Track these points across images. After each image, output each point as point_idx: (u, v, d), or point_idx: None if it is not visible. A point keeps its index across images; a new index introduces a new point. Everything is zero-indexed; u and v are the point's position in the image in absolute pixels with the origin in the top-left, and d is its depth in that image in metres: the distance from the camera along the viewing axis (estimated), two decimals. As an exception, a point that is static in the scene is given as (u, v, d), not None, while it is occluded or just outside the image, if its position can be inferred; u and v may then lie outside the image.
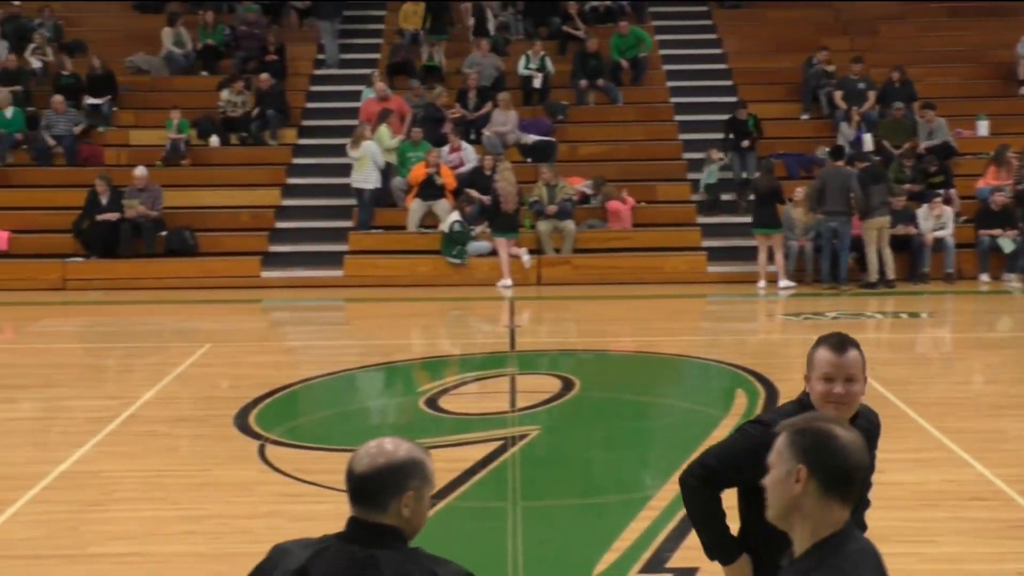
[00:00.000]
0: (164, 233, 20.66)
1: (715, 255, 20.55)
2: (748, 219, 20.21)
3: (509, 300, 18.92)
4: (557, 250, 20.44)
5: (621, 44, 24.57)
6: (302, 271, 20.51)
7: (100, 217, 20.46)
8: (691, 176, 22.46)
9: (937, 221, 19.76)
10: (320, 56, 25.68)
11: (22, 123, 22.84)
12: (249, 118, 23.22)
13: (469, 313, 18.70)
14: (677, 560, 7.30)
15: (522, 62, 24.15)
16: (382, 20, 27.22)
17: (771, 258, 19.47)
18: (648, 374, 13.79)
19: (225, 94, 23.43)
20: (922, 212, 19.88)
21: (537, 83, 23.86)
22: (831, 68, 23.64)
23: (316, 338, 16.68)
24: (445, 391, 12.35)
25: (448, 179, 20.89)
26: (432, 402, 11.75)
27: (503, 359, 14.16)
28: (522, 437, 10.34)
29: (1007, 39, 24.79)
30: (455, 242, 20.16)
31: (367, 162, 20.91)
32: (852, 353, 4.34)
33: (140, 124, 23.90)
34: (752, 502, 4.46)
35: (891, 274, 19.23)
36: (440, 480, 8.93)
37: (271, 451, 9.93)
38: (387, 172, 21.32)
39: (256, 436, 10.42)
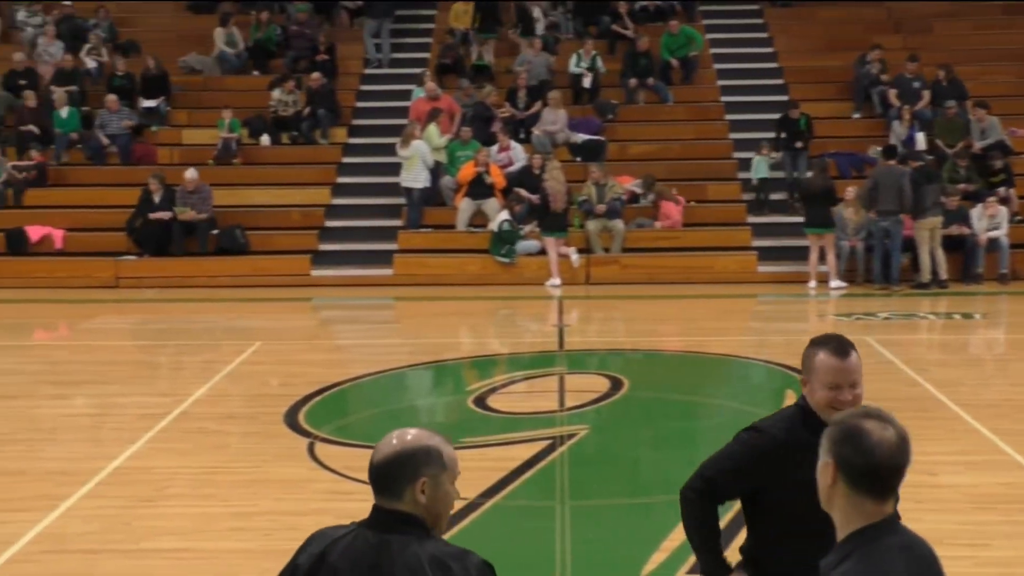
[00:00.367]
0: (216, 232, 20.81)
1: (765, 255, 20.45)
2: (798, 219, 20.09)
3: (558, 299, 18.90)
4: (606, 249, 20.41)
5: (671, 43, 24.49)
6: (352, 270, 20.59)
7: (153, 216, 20.64)
8: (741, 175, 22.35)
9: (991, 221, 19.55)
10: (376, 55, 25.71)
11: (77, 123, 23.08)
12: (300, 117, 23.34)
13: (518, 312, 18.70)
14: (726, 561, 7.27)
15: (573, 61, 24.13)
16: (432, 20, 27.28)
17: (823, 258, 19.33)
18: (697, 374, 13.74)
19: (276, 93, 23.57)
20: (976, 212, 19.67)
21: (587, 82, 23.82)
22: (882, 67, 23.43)
23: (365, 336, 16.74)
24: (494, 390, 12.36)
25: (497, 178, 20.91)
26: (481, 401, 11.76)
27: (552, 358, 14.16)
28: (570, 436, 10.34)
29: (1063, 37, 24.52)
30: (504, 241, 20.18)
31: (416, 161, 20.97)
32: (854, 357, 4.20)
33: (192, 123, 24.09)
34: (755, 511, 4.41)
35: (944, 274, 19.05)
36: (488, 479, 8.97)
37: (320, 449, 9.98)
38: (436, 171, 21.37)
39: (305, 434, 10.48)
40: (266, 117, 23.43)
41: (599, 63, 24.12)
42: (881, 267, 19.14)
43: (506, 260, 20.17)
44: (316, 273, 20.55)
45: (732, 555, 4.53)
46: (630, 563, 7.32)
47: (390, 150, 21.84)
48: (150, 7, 28.42)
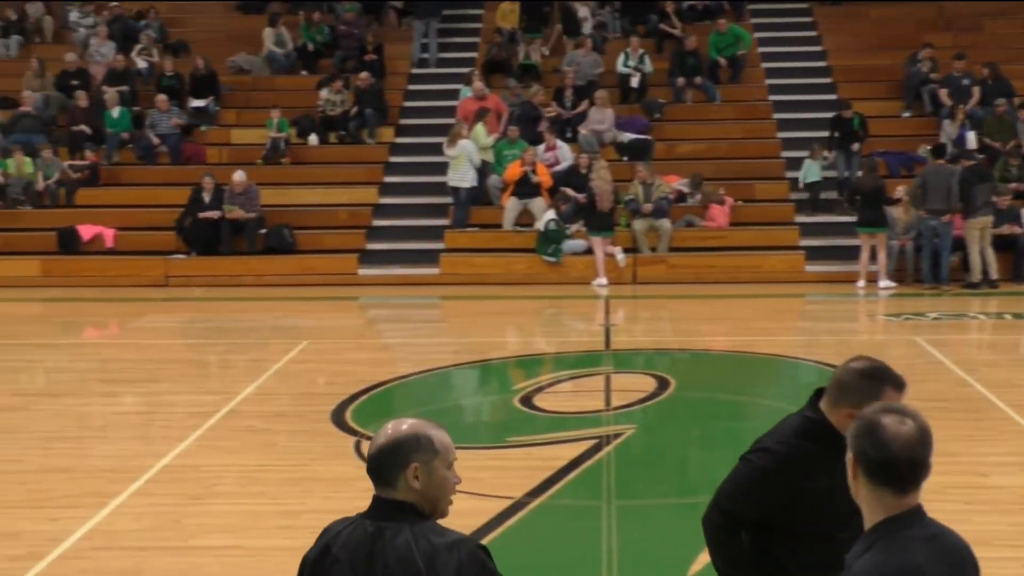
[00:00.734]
0: (264, 231, 20.93)
1: (813, 254, 20.33)
2: (846, 218, 19.97)
3: (604, 299, 18.88)
4: (653, 249, 20.35)
5: (719, 42, 24.40)
6: (399, 269, 20.65)
7: (202, 215, 20.79)
8: (789, 175, 22.22)
9: (1043, 220, 19.36)
10: (424, 55, 25.78)
11: (128, 123, 23.29)
12: (348, 117, 23.44)
13: (564, 311, 18.69)
14: (773, 562, 7.23)
15: (620, 60, 24.08)
16: (480, 19, 27.31)
17: (873, 258, 19.20)
18: (744, 374, 13.67)
19: (324, 93, 23.67)
20: (1027, 211, 19.49)
21: (635, 82, 23.77)
22: (932, 65, 23.24)
23: (412, 335, 16.79)
24: (540, 389, 12.37)
25: (544, 177, 20.91)
26: (527, 400, 11.76)
27: (598, 358, 14.14)
28: (617, 436, 10.32)
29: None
30: (550, 240, 20.17)
31: (463, 160, 21.00)
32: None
33: (241, 123, 24.25)
34: (765, 531, 4.31)
35: (994, 274, 18.87)
36: (534, 479, 8.97)
37: (367, 447, 9.99)
38: (483, 170, 21.40)
39: (352, 432, 10.52)
40: (314, 117, 23.55)
41: (647, 62, 24.05)
42: (930, 267, 18.98)
43: (552, 259, 20.16)
44: (363, 272, 20.63)
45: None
46: (677, 563, 7.30)
47: (437, 149, 21.89)
48: (200, 7, 28.64)
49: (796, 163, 22.15)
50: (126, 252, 21.07)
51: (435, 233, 21.22)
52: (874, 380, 4.10)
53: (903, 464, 3.08)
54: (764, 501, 4.24)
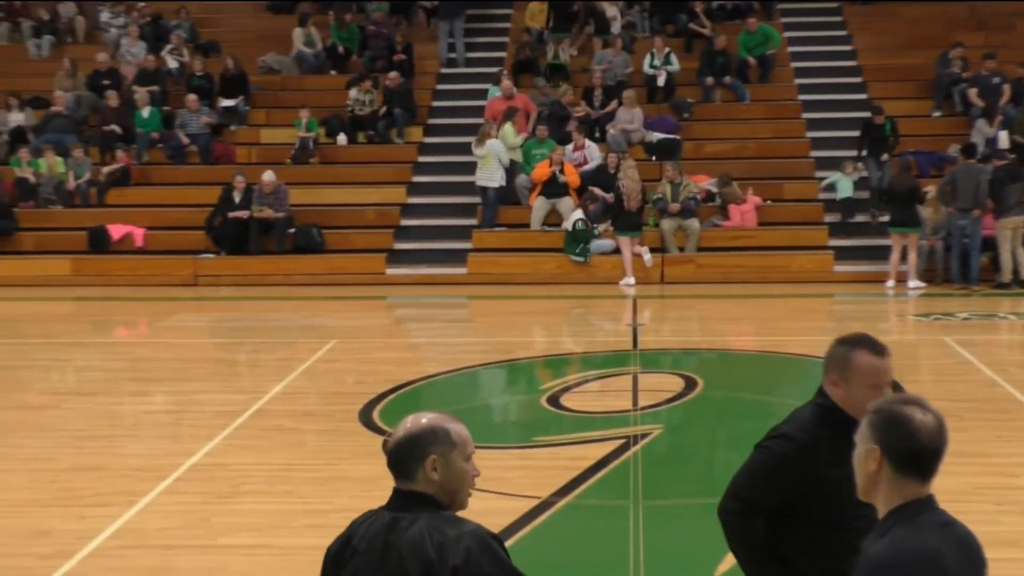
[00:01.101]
0: (292, 230, 21.00)
1: (842, 254, 20.26)
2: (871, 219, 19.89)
3: (632, 298, 18.85)
4: (681, 248, 20.32)
5: (749, 41, 24.33)
6: (427, 268, 20.68)
7: (232, 214, 20.88)
8: (819, 174, 22.14)
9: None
10: (451, 55, 25.83)
11: (158, 122, 23.42)
12: (376, 117, 23.49)
13: (592, 311, 18.68)
14: (800, 563, 7.21)
15: (647, 60, 24.05)
16: (509, 19, 27.33)
17: (903, 258, 19.11)
18: (772, 374, 13.64)
19: (353, 93, 23.73)
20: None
21: (661, 81, 23.72)
22: (963, 64, 23.11)
23: (440, 335, 16.81)
24: (567, 389, 12.37)
25: (572, 177, 20.90)
26: (554, 400, 11.77)
27: (626, 357, 14.13)
28: (644, 436, 10.32)
29: None
30: (578, 240, 20.16)
31: (492, 160, 21.02)
32: (889, 356, 4.22)
33: (270, 123, 24.34)
34: (783, 519, 4.33)
35: (1024, 275, 18.80)
36: (561, 478, 8.97)
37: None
38: (511, 170, 21.41)
39: (380, 432, 10.54)
40: (343, 116, 23.61)
41: (673, 61, 23.99)
42: (960, 267, 18.88)
43: (580, 259, 20.16)
44: (391, 272, 20.67)
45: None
46: (704, 563, 7.29)
47: (465, 149, 21.91)
48: (230, 7, 28.76)
49: (825, 163, 22.07)
50: (156, 251, 21.19)
51: (463, 233, 21.24)
52: (848, 344, 4.23)
53: (931, 454, 3.21)
54: (783, 488, 4.27)
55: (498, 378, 13.74)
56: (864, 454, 3.23)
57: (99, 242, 21.24)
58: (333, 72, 25.56)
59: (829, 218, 21.16)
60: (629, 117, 22.46)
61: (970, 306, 17.47)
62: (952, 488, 8.66)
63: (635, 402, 11.63)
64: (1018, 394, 11.57)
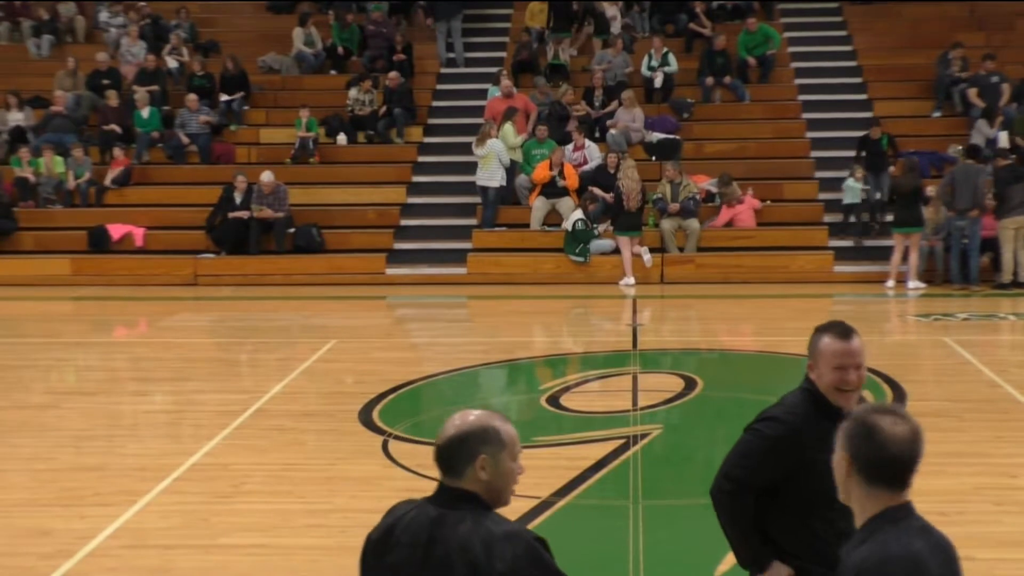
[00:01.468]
0: (292, 230, 21.01)
1: (842, 254, 20.26)
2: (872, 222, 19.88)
3: (632, 299, 18.86)
4: (681, 248, 20.32)
5: (749, 41, 24.34)
6: (426, 268, 20.69)
7: (232, 215, 20.89)
8: (818, 175, 22.15)
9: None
10: (451, 55, 25.84)
11: (158, 122, 23.42)
12: (376, 116, 23.50)
13: (591, 311, 18.68)
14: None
15: (645, 62, 24.05)
16: (508, 19, 27.33)
17: (904, 258, 19.10)
18: (772, 374, 13.63)
19: (353, 93, 23.74)
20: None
21: (658, 82, 23.72)
22: (962, 65, 23.11)
23: (440, 335, 16.81)
24: (567, 389, 12.37)
25: (571, 180, 20.88)
26: (554, 400, 11.77)
27: (625, 357, 14.13)
28: (644, 436, 10.32)
29: None
30: (578, 240, 20.17)
31: (492, 160, 21.03)
32: (856, 339, 4.40)
33: (270, 123, 24.35)
34: (773, 500, 4.49)
35: (1024, 275, 18.81)
36: (561, 478, 8.97)
37: (394, 446, 10.04)
38: (512, 170, 21.41)
39: (380, 431, 10.55)
40: (343, 116, 23.61)
41: (671, 60, 23.98)
42: (959, 267, 18.88)
43: (580, 259, 20.16)
44: (391, 271, 20.68)
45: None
46: (703, 563, 7.30)
47: (465, 149, 21.91)
48: (230, 7, 28.76)
49: (825, 163, 22.08)
50: (156, 251, 21.20)
51: (463, 233, 21.25)
52: (818, 330, 4.44)
53: (900, 464, 3.17)
54: (773, 469, 4.44)
55: (498, 378, 13.73)
56: (837, 460, 3.25)
57: (99, 242, 21.25)
58: (333, 72, 25.57)
59: (828, 218, 21.14)
60: (629, 117, 22.46)
61: (970, 306, 17.48)
62: (952, 488, 8.67)
63: (635, 402, 11.63)
64: (1018, 394, 11.57)
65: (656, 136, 22.52)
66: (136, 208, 21.99)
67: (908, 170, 19.29)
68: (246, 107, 24.40)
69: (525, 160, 21.58)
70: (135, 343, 16.71)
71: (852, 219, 20.69)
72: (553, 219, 20.96)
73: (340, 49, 25.59)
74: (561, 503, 8.39)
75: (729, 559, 7.34)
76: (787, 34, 25.79)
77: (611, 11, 25.52)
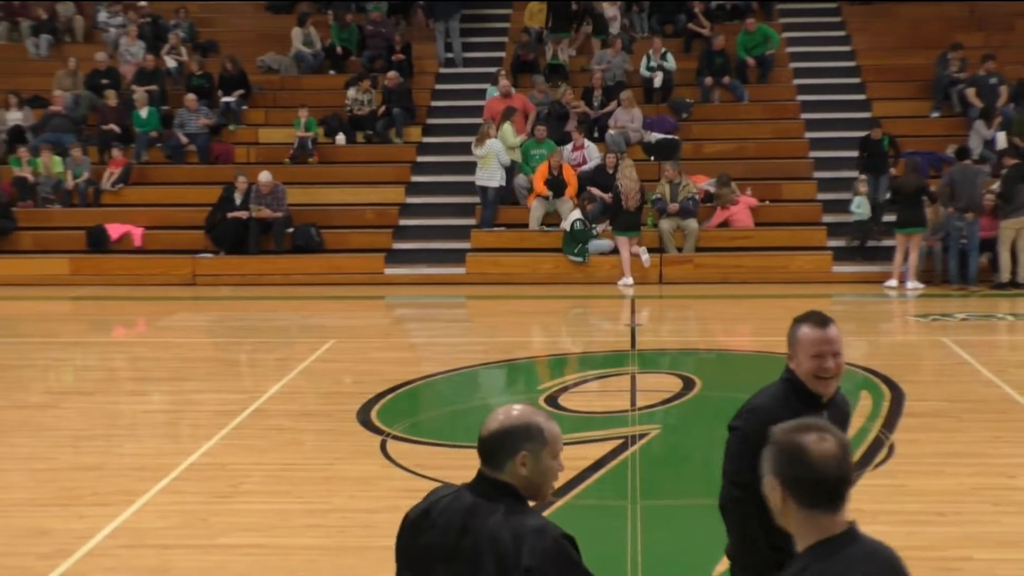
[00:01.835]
0: (291, 230, 21.01)
1: (841, 254, 20.26)
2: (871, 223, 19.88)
3: (630, 299, 18.86)
4: (679, 249, 20.32)
5: (748, 42, 24.34)
6: (425, 268, 20.69)
7: (231, 215, 20.89)
8: (817, 175, 22.17)
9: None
10: (449, 55, 25.84)
11: (157, 122, 23.42)
12: (375, 116, 23.49)
13: (590, 311, 18.68)
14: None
15: (644, 62, 24.06)
16: (507, 19, 27.34)
17: (904, 258, 19.11)
18: (770, 374, 13.51)
19: (352, 92, 23.73)
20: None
21: (657, 81, 23.72)
22: (961, 65, 23.13)
23: (438, 335, 16.81)
24: (565, 389, 12.37)
25: (570, 182, 20.87)
26: (552, 400, 11.77)
27: (624, 357, 14.13)
28: (642, 436, 10.32)
29: None
30: (576, 240, 20.17)
31: (492, 160, 21.03)
32: (833, 328, 4.51)
33: (269, 123, 24.35)
34: (764, 512, 4.44)
35: (1023, 275, 18.78)
36: (560, 478, 8.95)
37: (393, 446, 10.03)
38: (511, 170, 21.41)
39: (378, 431, 10.55)
40: (342, 116, 23.61)
41: (669, 60, 23.97)
42: (958, 267, 18.89)
43: (579, 259, 20.16)
44: (390, 271, 20.67)
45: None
46: (701, 563, 7.30)
47: (464, 149, 21.92)
48: (229, 7, 28.75)
49: (824, 163, 22.11)
50: (154, 251, 21.19)
51: (462, 232, 21.25)
52: (796, 320, 4.56)
53: (832, 482, 3.03)
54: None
55: (496, 378, 13.73)
56: (767, 485, 3.12)
57: (97, 241, 21.25)
58: (332, 72, 25.57)
59: (827, 218, 21.13)
60: (628, 117, 22.47)
61: (968, 307, 17.48)
62: (950, 489, 8.68)
63: (633, 402, 11.63)
64: (1016, 395, 11.57)
65: (655, 136, 22.53)
66: (135, 208, 21.99)
67: (912, 170, 19.23)
68: (245, 107, 24.40)
69: (524, 160, 21.58)
70: (134, 343, 16.70)
71: (857, 241, 20.39)
72: (552, 219, 20.96)
73: (339, 49, 25.60)
74: (559, 503, 8.39)
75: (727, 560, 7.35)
76: (786, 34, 25.80)
77: (610, 11, 25.51)
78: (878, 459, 9.46)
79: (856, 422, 10.61)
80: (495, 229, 21.16)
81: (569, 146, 21.77)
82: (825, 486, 3.03)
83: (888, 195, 20.05)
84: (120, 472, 9.45)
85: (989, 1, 26.37)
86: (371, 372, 13.24)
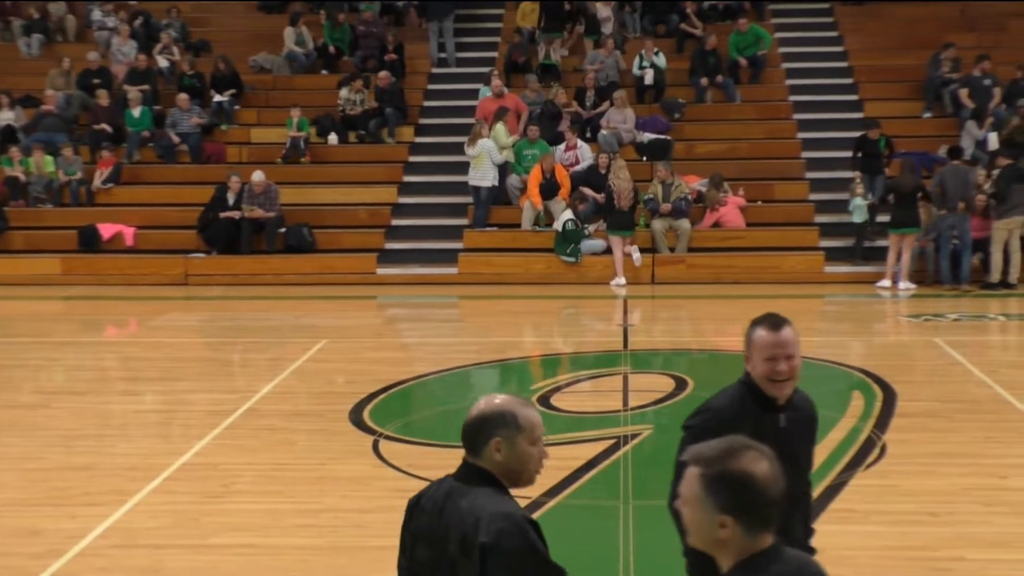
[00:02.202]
0: (283, 230, 21.00)
1: (833, 255, 20.28)
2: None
3: (623, 299, 18.86)
4: (672, 249, 20.33)
5: (740, 42, 24.37)
6: (417, 268, 20.68)
7: (224, 214, 20.86)
8: (809, 175, 22.19)
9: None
10: (442, 55, 25.84)
11: (149, 122, 23.38)
12: (367, 116, 23.48)
13: (582, 312, 18.68)
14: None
15: (636, 62, 24.07)
16: (500, 19, 27.34)
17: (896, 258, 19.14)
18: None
19: (344, 92, 23.72)
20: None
21: (648, 79, 23.73)
22: (953, 65, 23.16)
23: (430, 335, 16.80)
24: (558, 389, 12.36)
25: (563, 184, 20.84)
26: (545, 400, 11.76)
27: (616, 358, 14.13)
28: (635, 436, 10.32)
29: None
30: (568, 240, 20.17)
31: (484, 160, 21.03)
32: (788, 330, 4.47)
33: (262, 122, 24.32)
34: None
35: (1014, 276, 18.80)
36: (552, 478, 8.96)
37: (385, 446, 10.03)
38: (503, 170, 21.41)
39: (370, 431, 10.54)
40: (334, 116, 23.60)
41: (660, 59, 23.98)
42: (949, 266, 18.91)
43: (571, 260, 20.16)
44: (382, 271, 20.66)
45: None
46: (694, 564, 7.29)
47: (456, 149, 21.92)
48: (221, 7, 28.74)
49: (816, 164, 22.14)
50: (146, 251, 21.16)
51: (454, 232, 21.24)
52: (752, 323, 4.53)
53: (779, 501, 2.99)
54: None
55: (489, 378, 13.72)
56: (707, 522, 2.98)
57: (89, 241, 21.22)
58: (324, 72, 25.56)
59: (819, 218, 21.17)
60: (621, 117, 22.48)
61: (960, 307, 17.51)
62: (942, 489, 8.69)
63: (625, 402, 11.63)
64: (1007, 395, 11.59)
65: (647, 136, 22.54)
66: (126, 208, 21.96)
67: (908, 170, 19.21)
68: (237, 107, 24.38)
69: (516, 160, 21.58)
70: (125, 343, 16.68)
71: (858, 242, 20.33)
72: (546, 220, 20.95)
73: (331, 49, 25.59)
74: (551, 503, 8.39)
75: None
76: (778, 35, 25.83)
77: (603, 11, 25.53)
78: (870, 459, 9.47)
79: (848, 422, 10.63)
80: (487, 229, 21.15)
81: (562, 146, 21.78)
82: (774, 508, 2.98)
83: (883, 195, 20.03)
84: (112, 472, 9.43)
85: (981, 1, 26.41)
86: (363, 372, 13.23)
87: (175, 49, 25.63)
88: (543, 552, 3.52)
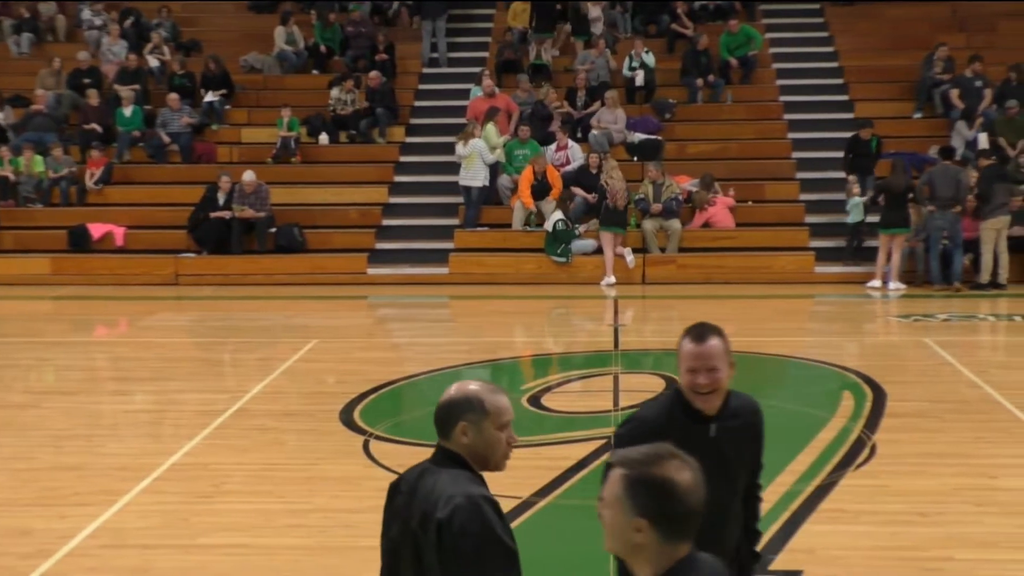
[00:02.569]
0: (274, 230, 20.98)
1: (823, 255, 20.30)
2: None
3: (613, 299, 18.86)
4: (662, 249, 20.34)
5: (731, 42, 24.39)
6: (408, 268, 20.67)
7: (214, 214, 20.84)
8: (800, 175, 22.22)
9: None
10: (434, 55, 25.82)
11: (140, 121, 23.35)
12: (358, 116, 23.47)
13: (573, 312, 18.69)
14: (781, 563, 7.23)
15: (626, 62, 24.08)
16: (491, 19, 27.34)
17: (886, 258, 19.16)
18: (753, 375, 13.61)
19: (335, 92, 23.70)
20: (1038, 213, 19.44)
21: (639, 80, 23.74)
22: (944, 66, 23.20)
23: (421, 335, 16.79)
24: (548, 389, 12.36)
25: (555, 185, 20.84)
26: (535, 400, 11.76)
27: (607, 358, 14.13)
28: (626, 436, 10.30)
29: None
30: (559, 240, 20.17)
31: (475, 160, 21.02)
32: (712, 342, 4.38)
33: (252, 122, 24.30)
34: None
35: (1004, 276, 18.84)
36: (542, 478, 8.97)
37: (375, 446, 10.02)
38: (494, 170, 21.40)
39: (361, 431, 10.53)
40: (325, 116, 23.58)
41: (649, 60, 23.99)
42: (939, 267, 18.93)
43: (562, 260, 20.17)
44: (372, 271, 20.65)
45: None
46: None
47: (447, 149, 21.91)
48: (212, 7, 28.70)
49: (806, 164, 22.17)
50: (137, 250, 21.13)
51: (445, 232, 21.23)
52: (683, 333, 4.42)
53: (698, 510, 2.96)
54: None
55: (479, 378, 13.67)
56: (625, 525, 2.95)
57: (79, 241, 21.18)
58: (315, 71, 25.54)
59: (810, 219, 21.20)
60: (612, 118, 22.48)
61: (950, 307, 17.54)
62: (932, 489, 8.70)
63: (616, 402, 11.63)
64: (997, 395, 11.61)
65: (638, 137, 22.55)
66: (117, 207, 21.93)
67: (900, 171, 19.22)
68: (228, 106, 24.35)
69: (507, 160, 21.58)
70: (115, 342, 16.65)
71: (852, 241, 20.26)
72: (537, 220, 20.95)
73: (322, 48, 25.58)
74: (542, 503, 8.39)
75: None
76: (769, 35, 25.85)
77: (594, 12, 25.53)
78: (860, 459, 9.48)
79: (838, 422, 10.64)
80: (478, 229, 21.15)
81: (552, 146, 21.78)
82: (693, 517, 2.95)
83: (874, 196, 20.03)
84: (102, 472, 9.41)
85: (971, 1, 26.46)
86: (354, 372, 13.23)
87: (165, 49, 25.59)
88: (497, 531, 3.58)
